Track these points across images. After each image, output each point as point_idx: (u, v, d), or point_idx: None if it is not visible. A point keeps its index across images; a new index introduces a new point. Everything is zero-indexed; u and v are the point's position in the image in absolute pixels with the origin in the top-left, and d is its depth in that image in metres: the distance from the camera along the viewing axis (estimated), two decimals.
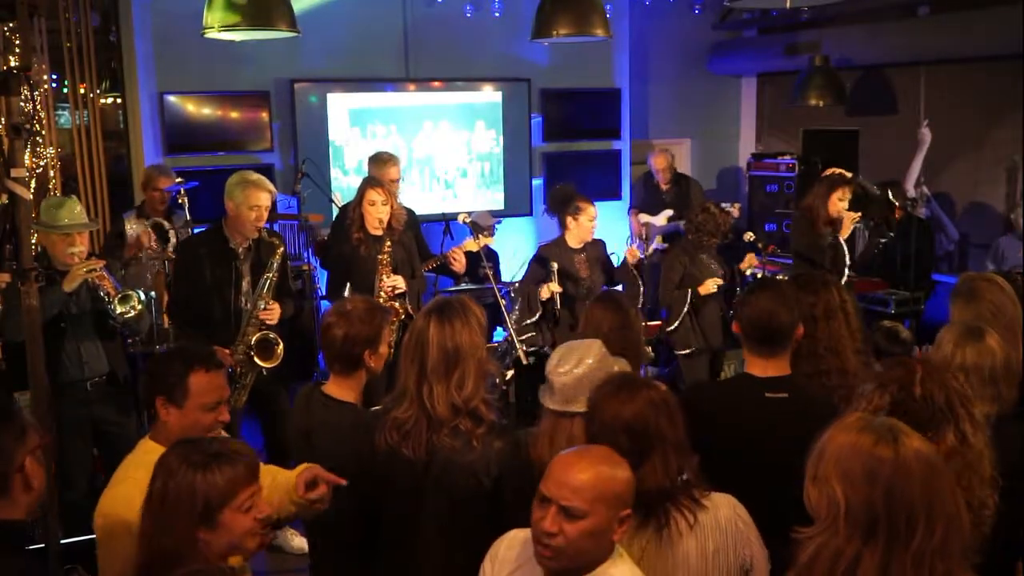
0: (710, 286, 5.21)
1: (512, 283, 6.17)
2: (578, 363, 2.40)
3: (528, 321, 5.14)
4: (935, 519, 1.64)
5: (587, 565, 1.89)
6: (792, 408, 2.57)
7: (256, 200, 4.15)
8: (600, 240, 5.34)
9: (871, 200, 5.89)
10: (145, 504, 1.92)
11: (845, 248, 5.36)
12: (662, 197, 7.59)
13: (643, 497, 2.06)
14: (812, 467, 1.76)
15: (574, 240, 5.21)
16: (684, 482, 2.14)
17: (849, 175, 5.65)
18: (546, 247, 5.32)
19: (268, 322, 4.19)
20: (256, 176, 4.25)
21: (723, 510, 2.15)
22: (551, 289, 5.00)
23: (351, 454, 2.58)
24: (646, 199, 7.72)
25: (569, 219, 5.18)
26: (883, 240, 5.96)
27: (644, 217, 7.58)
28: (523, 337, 4.98)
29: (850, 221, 5.44)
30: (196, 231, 5.25)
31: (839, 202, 5.48)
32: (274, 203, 6.45)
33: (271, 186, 4.26)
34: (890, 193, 6.28)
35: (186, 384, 2.41)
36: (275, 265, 4.19)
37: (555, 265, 5.05)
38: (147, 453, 2.32)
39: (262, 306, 4.16)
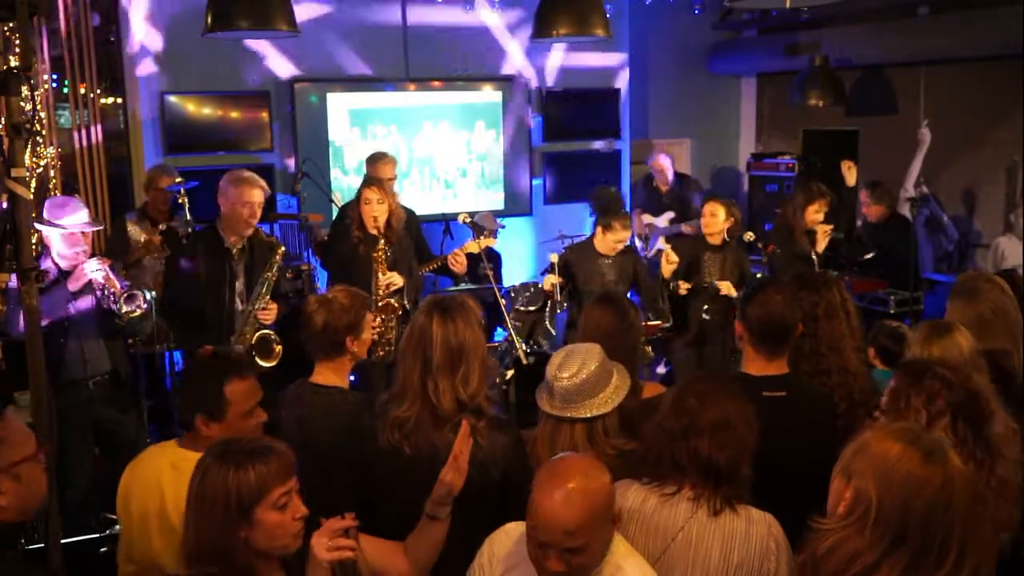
0: (681, 288, 5.19)
1: (513, 285, 6.18)
2: (580, 368, 2.39)
3: (529, 307, 5.18)
4: (968, 550, 1.58)
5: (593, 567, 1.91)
6: (790, 407, 2.57)
7: (248, 197, 4.15)
8: (633, 249, 5.37)
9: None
10: (186, 503, 1.93)
11: (817, 264, 5.37)
12: (661, 199, 7.60)
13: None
14: (846, 460, 1.72)
15: (603, 247, 5.21)
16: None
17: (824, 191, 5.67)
18: (572, 247, 5.34)
19: (265, 321, 4.19)
20: (248, 174, 4.25)
21: (758, 527, 2.13)
22: (551, 281, 5.04)
23: (342, 437, 2.61)
24: (646, 200, 7.73)
25: (599, 229, 5.20)
26: (868, 255, 5.97)
27: (647, 218, 7.58)
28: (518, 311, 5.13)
29: (823, 235, 5.45)
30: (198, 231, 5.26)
31: (815, 214, 5.51)
32: (274, 203, 6.56)
33: (263, 183, 4.26)
34: (870, 192, 6.33)
35: (224, 397, 2.44)
36: (275, 266, 4.19)
37: (554, 256, 5.10)
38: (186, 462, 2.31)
39: (260, 306, 4.17)
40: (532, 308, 5.37)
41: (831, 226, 5.52)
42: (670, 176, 7.60)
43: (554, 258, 5.13)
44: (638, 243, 7.60)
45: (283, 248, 4.30)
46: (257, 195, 4.18)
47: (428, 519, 2.22)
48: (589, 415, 2.38)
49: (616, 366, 2.51)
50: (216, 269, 4.19)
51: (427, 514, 2.22)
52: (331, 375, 2.90)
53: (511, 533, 2.06)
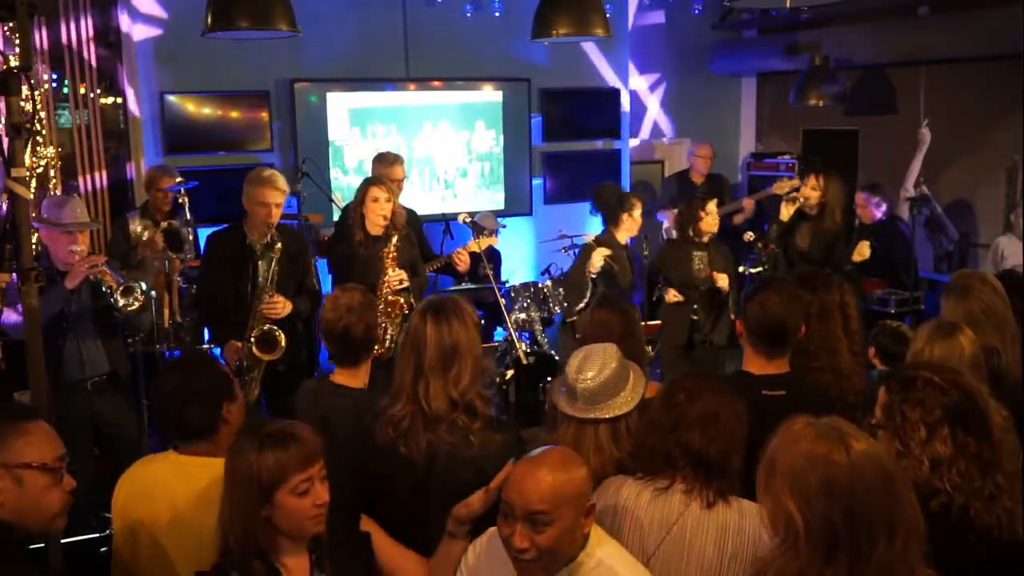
0: (671, 296, 5.27)
1: (513, 285, 6.18)
2: (601, 368, 2.39)
3: (579, 307, 5.21)
4: (896, 528, 1.60)
5: (567, 559, 1.93)
6: (789, 406, 2.55)
7: (263, 197, 4.16)
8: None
9: None
10: (224, 478, 2.02)
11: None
12: (696, 191, 7.51)
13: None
14: (764, 481, 1.71)
15: (624, 236, 5.36)
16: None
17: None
18: (599, 239, 5.38)
19: (272, 316, 4.20)
20: (268, 173, 4.27)
21: (750, 519, 2.15)
22: (603, 254, 5.11)
23: (368, 439, 2.59)
24: (680, 195, 7.64)
25: (624, 215, 5.32)
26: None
27: None
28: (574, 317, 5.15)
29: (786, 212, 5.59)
30: (198, 231, 5.27)
31: (812, 191, 5.58)
32: None
33: (282, 184, 4.26)
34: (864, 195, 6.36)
35: (229, 375, 2.51)
36: (273, 260, 4.19)
37: (590, 237, 5.23)
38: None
39: (266, 300, 4.17)
40: (581, 305, 5.30)
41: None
42: (710, 162, 7.60)
43: (590, 238, 5.25)
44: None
45: (280, 244, 4.23)
46: (273, 196, 4.19)
47: (449, 537, 2.26)
48: (613, 414, 2.39)
49: (631, 363, 2.52)
50: (239, 265, 4.22)
51: (448, 532, 2.26)
52: (356, 377, 2.89)
53: (494, 534, 2.08)
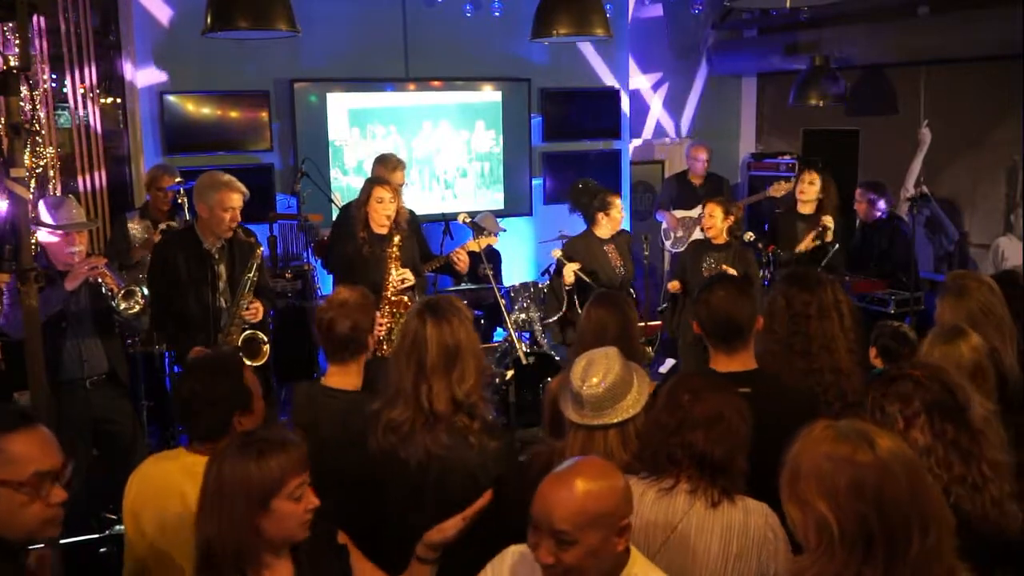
0: (671, 287, 5.35)
1: (513, 285, 6.18)
2: (606, 374, 2.37)
3: (554, 318, 5.27)
4: (929, 524, 1.59)
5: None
6: (755, 403, 2.55)
7: (230, 202, 4.12)
8: (625, 229, 5.50)
9: None
10: (201, 496, 1.96)
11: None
12: (696, 192, 7.53)
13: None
14: (789, 487, 1.69)
15: (604, 232, 5.33)
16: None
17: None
18: (571, 243, 5.37)
19: (253, 320, 4.19)
20: (227, 177, 4.21)
21: (755, 518, 2.14)
22: (572, 269, 5.11)
23: (359, 445, 2.58)
24: (679, 195, 7.65)
25: (600, 215, 5.31)
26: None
27: (680, 213, 7.53)
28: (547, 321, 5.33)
29: (809, 239, 5.57)
30: None
31: (809, 186, 5.62)
32: (274, 203, 6.56)
33: (243, 187, 4.22)
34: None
35: (248, 387, 2.45)
36: (255, 266, 4.18)
37: (557, 252, 5.23)
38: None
39: (244, 306, 4.16)
40: (554, 318, 5.42)
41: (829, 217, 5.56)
42: (708, 165, 7.61)
43: (557, 253, 5.19)
44: (666, 241, 7.60)
45: (262, 248, 4.27)
46: (237, 200, 4.15)
47: (417, 562, 2.22)
48: (621, 419, 2.36)
49: (633, 365, 2.51)
50: (197, 271, 4.17)
51: (417, 556, 2.22)
52: (352, 377, 2.85)
53: (518, 551, 2.05)
